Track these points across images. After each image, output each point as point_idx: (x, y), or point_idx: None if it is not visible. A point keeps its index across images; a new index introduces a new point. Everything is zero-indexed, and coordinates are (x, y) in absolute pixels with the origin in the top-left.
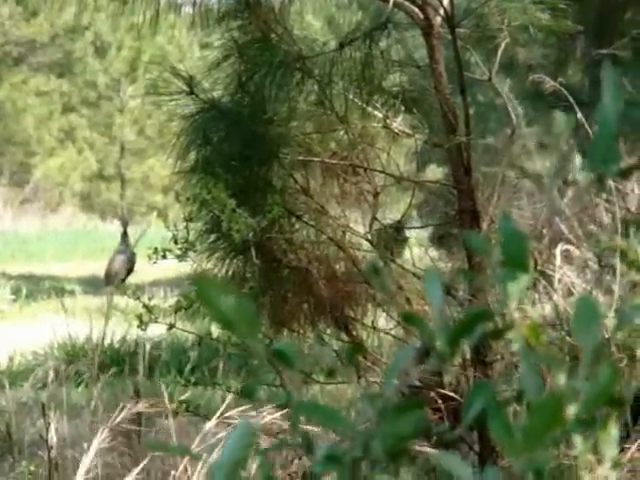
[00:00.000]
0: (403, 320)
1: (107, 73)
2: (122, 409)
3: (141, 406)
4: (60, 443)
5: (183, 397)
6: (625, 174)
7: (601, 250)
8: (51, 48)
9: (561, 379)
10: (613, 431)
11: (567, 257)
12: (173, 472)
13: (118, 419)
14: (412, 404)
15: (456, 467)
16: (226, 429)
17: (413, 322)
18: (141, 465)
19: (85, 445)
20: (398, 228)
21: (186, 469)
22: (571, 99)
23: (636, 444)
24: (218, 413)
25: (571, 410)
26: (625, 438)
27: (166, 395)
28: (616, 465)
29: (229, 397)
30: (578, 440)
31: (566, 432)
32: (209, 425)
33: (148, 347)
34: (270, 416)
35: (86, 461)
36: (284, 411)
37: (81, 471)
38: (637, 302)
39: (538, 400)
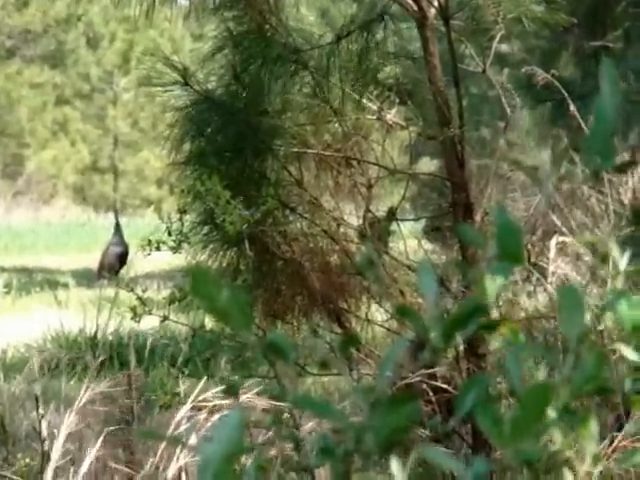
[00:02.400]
0: (397, 313)
1: (100, 65)
2: (86, 389)
3: (104, 385)
4: (53, 435)
5: (175, 388)
6: (621, 169)
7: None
8: (44, 39)
9: (546, 370)
10: (593, 427)
11: (561, 249)
12: (151, 459)
13: (84, 400)
14: (405, 397)
15: (446, 461)
16: (200, 413)
17: (407, 315)
18: (102, 437)
19: (79, 441)
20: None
21: (174, 457)
22: (564, 92)
23: (617, 439)
24: (192, 397)
25: (559, 399)
26: (618, 430)
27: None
28: (596, 461)
29: (202, 381)
30: (557, 436)
31: (554, 421)
32: (184, 409)
33: (142, 339)
34: (245, 396)
35: (58, 445)
36: (258, 389)
37: (55, 456)
38: (619, 291)
39: (525, 390)
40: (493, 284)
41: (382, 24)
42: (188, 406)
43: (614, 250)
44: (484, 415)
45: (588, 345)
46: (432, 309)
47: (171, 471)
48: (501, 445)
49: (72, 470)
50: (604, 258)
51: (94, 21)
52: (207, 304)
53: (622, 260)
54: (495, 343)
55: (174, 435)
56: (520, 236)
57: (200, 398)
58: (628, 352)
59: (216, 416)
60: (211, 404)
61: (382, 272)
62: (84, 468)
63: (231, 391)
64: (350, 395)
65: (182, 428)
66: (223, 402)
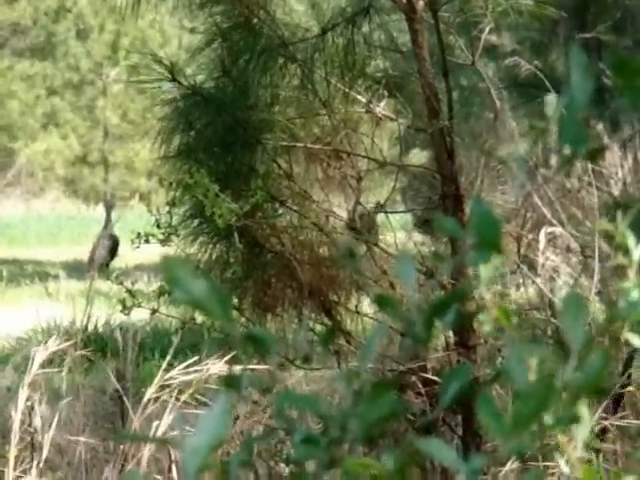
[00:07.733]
0: (377, 302)
1: (90, 56)
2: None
3: (51, 345)
4: (43, 427)
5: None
6: (593, 156)
7: (589, 233)
8: (33, 31)
9: (546, 364)
10: (585, 414)
11: (551, 241)
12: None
13: (37, 365)
14: (387, 384)
15: (440, 452)
16: (168, 393)
17: (386, 304)
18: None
19: (68, 431)
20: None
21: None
22: (547, 83)
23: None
24: (158, 377)
25: (561, 400)
26: (618, 407)
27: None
28: (589, 448)
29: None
30: (549, 420)
31: (556, 420)
32: (150, 391)
33: (132, 332)
34: (215, 367)
35: (18, 413)
36: (227, 357)
37: (15, 426)
38: (623, 285)
39: (528, 385)
40: (484, 274)
41: (368, 17)
42: (154, 388)
43: (629, 240)
44: (484, 409)
45: (592, 349)
46: (412, 297)
47: (145, 456)
48: (500, 439)
49: (62, 460)
50: (618, 247)
51: (84, 12)
52: (182, 294)
53: (636, 250)
54: (486, 329)
55: (147, 435)
56: (497, 224)
57: (166, 377)
58: (637, 341)
59: (185, 395)
60: (177, 381)
61: (371, 264)
62: (74, 458)
63: (232, 384)
64: (335, 385)
65: (150, 410)
66: (189, 379)
